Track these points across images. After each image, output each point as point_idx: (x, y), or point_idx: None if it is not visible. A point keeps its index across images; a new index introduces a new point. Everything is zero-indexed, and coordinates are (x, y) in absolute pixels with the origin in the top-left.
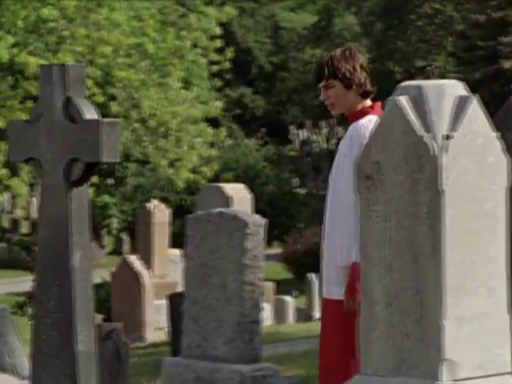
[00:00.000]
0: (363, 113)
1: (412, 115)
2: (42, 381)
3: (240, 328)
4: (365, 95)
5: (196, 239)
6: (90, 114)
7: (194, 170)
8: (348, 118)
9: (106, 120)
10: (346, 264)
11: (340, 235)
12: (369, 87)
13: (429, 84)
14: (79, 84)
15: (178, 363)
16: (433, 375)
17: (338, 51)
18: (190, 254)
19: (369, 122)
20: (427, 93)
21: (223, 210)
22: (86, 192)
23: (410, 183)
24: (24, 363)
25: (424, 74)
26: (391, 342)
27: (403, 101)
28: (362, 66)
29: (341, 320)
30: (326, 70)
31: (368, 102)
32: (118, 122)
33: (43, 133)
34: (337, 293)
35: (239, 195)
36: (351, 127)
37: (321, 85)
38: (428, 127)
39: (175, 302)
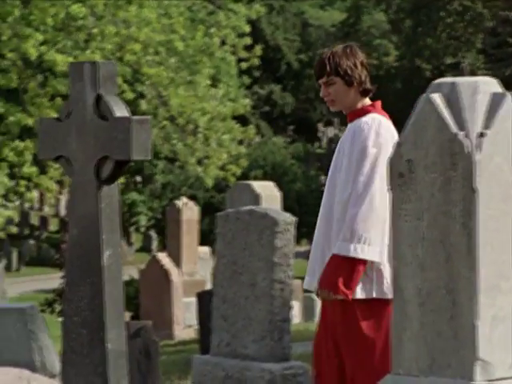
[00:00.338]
0: (365, 111)
1: (445, 112)
2: (72, 379)
3: (270, 326)
4: (364, 93)
5: (226, 237)
6: (121, 111)
7: (222, 168)
8: (348, 116)
9: (136, 118)
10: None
11: (336, 232)
12: (369, 85)
13: (463, 81)
14: (110, 81)
15: (207, 361)
16: (466, 375)
17: (339, 48)
18: (220, 252)
19: (372, 120)
20: (461, 90)
21: (253, 207)
22: (116, 190)
23: (443, 181)
24: (54, 361)
25: (454, 71)
26: (423, 341)
27: (436, 98)
28: (362, 64)
29: (354, 320)
30: (328, 67)
31: (368, 101)
32: (148, 119)
33: (73, 131)
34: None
35: (268, 193)
36: (352, 125)
37: (321, 81)
38: (462, 125)
39: (204, 300)
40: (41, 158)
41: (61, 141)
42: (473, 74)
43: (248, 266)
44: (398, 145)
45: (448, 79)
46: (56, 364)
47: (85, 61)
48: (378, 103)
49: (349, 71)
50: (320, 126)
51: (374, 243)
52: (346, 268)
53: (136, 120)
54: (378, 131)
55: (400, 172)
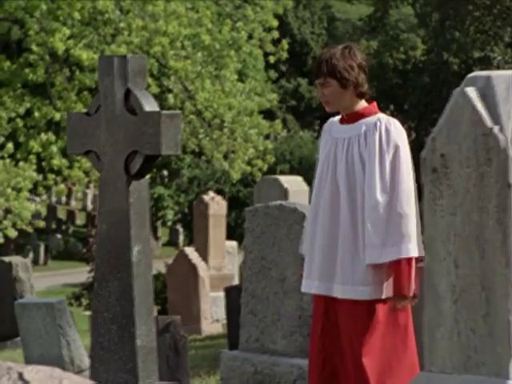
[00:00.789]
0: (371, 111)
1: (480, 106)
2: (101, 375)
3: (299, 322)
4: (361, 95)
5: (254, 232)
6: (151, 106)
7: (249, 163)
8: (347, 117)
9: (165, 112)
10: (383, 262)
11: (371, 236)
12: (365, 88)
13: (497, 75)
14: (140, 76)
15: (236, 357)
16: (501, 373)
17: (338, 49)
18: (249, 247)
19: (391, 120)
20: (496, 84)
21: (282, 202)
22: (145, 185)
23: (478, 176)
24: (82, 355)
25: (482, 64)
26: (457, 338)
27: (471, 92)
28: (360, 66)
29: (377, 322)
30: (325, 68)
31: (364, 103)
32: (179, 114)
33: (102, 125)
34: (366, 293)
35: (295, 188)
36: (359, 125)
37: (318, 82)
38: (496, 119)
39: (232, 295)
40: (69, 152)
41: (90, 135)
42: (498, 68)
43: (277, 261)
44: (432, 139)
45: (483, 73)
46: (84, 359)
47: (114, 55)
48: (375, 104)
49: (345, 74)
50: None
51: (420, 240)
52: (410, 269)
53: (166, 114)
54: (402, 130)
55: (433, 167)
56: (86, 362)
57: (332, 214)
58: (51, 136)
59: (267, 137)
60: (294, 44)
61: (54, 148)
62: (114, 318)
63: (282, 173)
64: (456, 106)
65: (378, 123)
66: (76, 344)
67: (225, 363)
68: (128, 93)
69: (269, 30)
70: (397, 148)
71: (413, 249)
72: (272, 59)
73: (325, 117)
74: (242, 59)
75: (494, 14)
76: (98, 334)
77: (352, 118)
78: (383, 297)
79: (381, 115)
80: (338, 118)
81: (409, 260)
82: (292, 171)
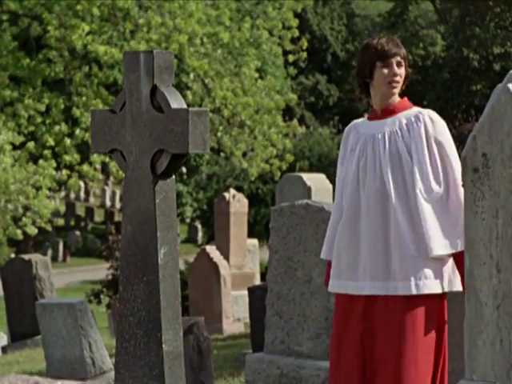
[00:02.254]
0: (405, 105)
1: None
2: (126, 381)
3: (326, 323)
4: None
5: (280, 232)
6: (178, 103)
7: (267, 161)
8: (382, 112)
9: (193, 109)
10: (440, 255)
11: (429, 229)
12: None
13: None
14: (166, 72)
15: (261, 359)
16: None
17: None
18: (274, 247)
19: (429, 112)
20: None
21: (308, 201)
22: (172, 185)
23: None
24: (104, 356)
25: (502, 61)
26: (499, 346)
27: None
28: (407, 61)
29: (421, 319)
30: (402, 50)
31: (398, 97)
32: (207, 111)
33: (128, 123)
34: (407, 287)
35: (319, 186)
36: (397, 119)
37: (394, 59)
38: None
39: (255, 294)
40: (94, 151)
41: (115, 133)
42: None
43: (303, 261)
44: (473, 138)
45: None
46: (106, 360)
47: (139, 50)
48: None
49: (408, 62)
50: (365, 116)
51: None
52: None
53: (194, 112)
54: (444, 122)
55: (475, 167)
56: (107, 363)
57: (382, 209)
58: (65, 127)
59: (286, 134)
60: (313, 40)
61: (68, 141)
62: (139, 323)
63: (302, 170)
64: (498, 103)
65: (421, 115)
66: (98, 345)
67: (249, 365)
68: (154, 90)
69: (288, 28)
70: (443, 139)
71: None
72: (291, 58)
73: (343, 114)
74: (262, 57)
75: None
76: (123, 339)
77: (387, 112)
78: (446, 289)
79: (418, 108)
80: (362, 119)
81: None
82: (311, 168)
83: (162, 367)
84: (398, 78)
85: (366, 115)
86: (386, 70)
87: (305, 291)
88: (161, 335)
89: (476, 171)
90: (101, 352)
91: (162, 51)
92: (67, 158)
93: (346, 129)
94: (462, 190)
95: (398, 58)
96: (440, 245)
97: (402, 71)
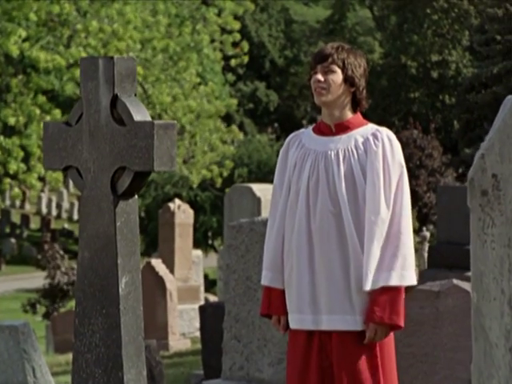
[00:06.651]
0: (360, 122)
1: None
2: None
3: None
4: (355, 105)
5: (239, 250)
6: (141, 115)
7: (207, 168)
8: (335, 128)
9: (159, 122)
10: (371, 290)
11: (369, 258)
12: (363, 98)
13: None
14: (129, 80)
15: None
16: None
17: (347, 45)
18: (232, 267)
19: (387, 131)
20: None
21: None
22: (135, 206)
23: None
24: (49, 382)
25: (440, 68)
26: None
27: None
28: (365, 71)
29: (362, 353)
30: (335, 55)
31: (350, 113)
32: (175, 124)
33: (85, 137)
34: (352, 323)
35: (268, 197)
36: (352, 136)
37: (321, 66)
38: None
39: (207, 312)
40: (46, 167)
41: (70, 149)
42: (458, 71)
43: None
44: (481, 157)
45: None
46: None
47: (99, 56)
48: (360, 114)
49: (351, 68)
50: (304, 123)
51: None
52: (400, 297)
53: (159, 125)
54: (399, 144)
55: (483, 189)
56: None
57: (336, 235)
58: (16, 140)
59: (225, 142)
60: (252, 47)
61: (20, 152)
62: (98, 360)
63: (240, 177)
64: (509, 117)
65: (379, 134)
66: (42, 370)
67: None
68: (115, 100)
69: (229, 32)
70: (401, 163)
71: (414, 277)
72: (233, 62)
73: (282, 120)
74: (200, 62)
75: (452, 17)
76: (80, 379)
77: (341, 128)
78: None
79: (373, 125)
80: (305, 130)
81: (406, 288)
82: (250, 175)
83: None
84: (321, 85)
85: (310, 126)
86: (313, 77)
87: None
88: (122, 375)
89: (485, 194)
90: (45, 377)
91: (124, 57)
92: (13, 166)
93: (288, 139)
94: (409, 215)
95: (326, 64)
96: (372, 278)
97: (330, 77)
